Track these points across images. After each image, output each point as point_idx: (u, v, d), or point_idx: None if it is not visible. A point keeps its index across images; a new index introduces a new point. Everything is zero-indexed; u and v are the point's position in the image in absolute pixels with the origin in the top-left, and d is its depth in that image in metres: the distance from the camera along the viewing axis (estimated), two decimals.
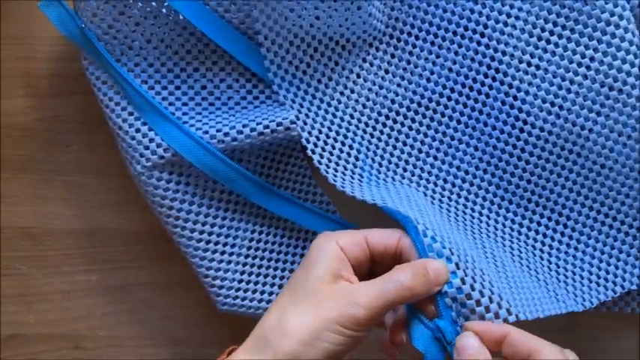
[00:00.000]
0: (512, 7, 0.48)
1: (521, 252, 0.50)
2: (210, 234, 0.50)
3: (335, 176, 0.47)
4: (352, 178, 0.48)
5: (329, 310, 0.39)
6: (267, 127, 0.47)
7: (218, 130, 0.48)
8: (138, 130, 0.48)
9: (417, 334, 0.41)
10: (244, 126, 0.47)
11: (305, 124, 0.48)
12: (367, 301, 0.39)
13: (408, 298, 0.40)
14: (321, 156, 0.48)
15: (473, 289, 0.42)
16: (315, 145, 0.48)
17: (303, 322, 0.39)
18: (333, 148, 0.48)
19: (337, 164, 0.48)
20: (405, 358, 0.45)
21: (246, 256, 0.51)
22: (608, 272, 0.50)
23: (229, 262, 0.50)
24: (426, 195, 0.50)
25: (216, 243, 0.50)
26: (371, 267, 0.44)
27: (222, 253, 0.50)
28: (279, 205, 0.51)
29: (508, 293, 0.44)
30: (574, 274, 0.50)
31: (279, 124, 0.47)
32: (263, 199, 0.50)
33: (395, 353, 0.43)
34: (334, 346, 0.39)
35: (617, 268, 0.50)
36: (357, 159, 0.49)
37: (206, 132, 0.48)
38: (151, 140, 0.48)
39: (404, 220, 0.44)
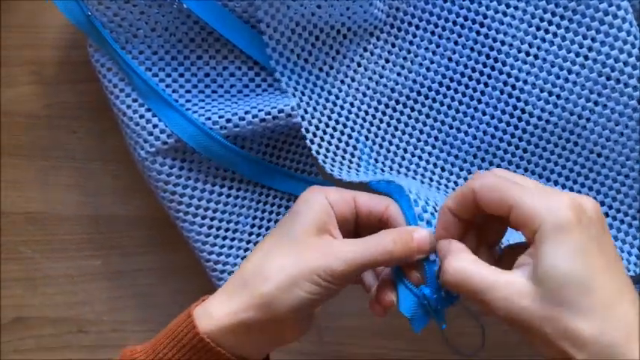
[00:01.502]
0: None
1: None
2: (212, 219, 0.50)
3: (332, 165, 0.48)
4: (349, 167, 0.49)
5: (309, 260, 0.40)
6: (268, 113, 0.48)
7: (220, 117, 0.48)
8: (142, 117, 0.49)
9: (403, 299, 0.42)
10: (246, 112, 0.48)
11: (306, 112, 0.49)
12: (347, 257, 0.40)
13: (388, 261, 0.41)
14: (320, 145, 0.48)
15: None
16: (314, 134, 0.49)
17: (283, 268, 0.40)
18: (332, 137, 0.49)
19: (335, 153, 0.49)
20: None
21: (248, 242, 0.52)
22: None
23: (231, 247, 0.51)
24: (423, 183, 0.50)
25: (218, 228, 0.51)
26: (355, 229, 0.44)
27: (224, 238, 0.51)
28: (281, 181, 0.51)
29: None
30: None
31: (280, 111, 0.48)
32: (266, 177, 0.51)
33: (382, 312, 0.43)
34: (309, 295, 0.39)
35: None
36: (355, 148, 0.50)
37: (208, 118, 0.49)
38: (155, 126, 0.49)
39: (396, 189, 0.44)
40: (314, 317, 0.43)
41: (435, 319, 0.42)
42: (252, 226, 0.52)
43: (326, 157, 0.48)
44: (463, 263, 0.38)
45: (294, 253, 0.40)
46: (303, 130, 0.48)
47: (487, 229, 0.41)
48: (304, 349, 0.56)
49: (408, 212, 0.43)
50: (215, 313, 0.41)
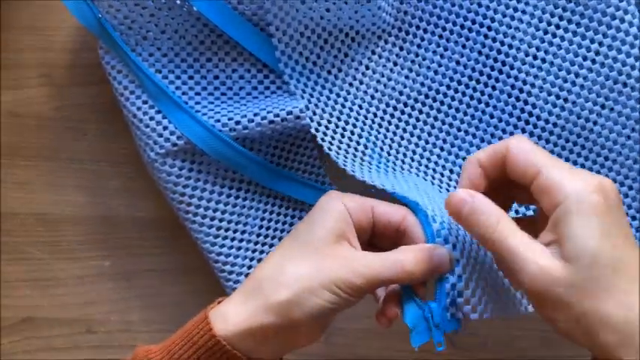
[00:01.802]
0: (519, 1, 0.49)
1: None
2: (220, 220, 0.51)
3: (345, 160, 0.48)
4: (362, 164, 0.49)
5: (329, 270, 0.40)
6: (277, 115, 0.48)
7: (230, 119, 0.49)
8: (152, 118, 0.49)
9: (408, 311, 0.42)
10: (255, 115, 0.49)
11: (314, 113, 0.49)
12: (367, 272, 0.40)
13: (406, 280, 0.41)
14: (331, 143, 0.48)
15: (471, 279, 0.42)
16: (325, 134, 0.49)
17: (302, 276, 0.40)
18: (342, 137, 0.49)
19: (347, 152, 0.49)
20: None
21: (256, 243, 0.52)
22: None
23: (239, 248, 0.51)
24: (432, 184, 0.51)
25: (227, 229, 0.51)
26: (371, 237, 0.44)
27: (233, 239, 0.51)
28: (289, 186, 0.52)
29: (499, 288, 0.44)
30: None
31: (289, 113, 0.48)
32: (274, 181, 0.51)
33: (387, 323, 0.43)
34: (327, 304, 0.39)
35: None
36: (366, 147, 0.50)
37: (218, 120, 0.49)
38: (165, 128, 0.49)
39: (413, 204, 0.44)
40: (329, 323, 0.43)
41: (433, 337, 0.41)
42: (261, 227, 0.52)
43: (338, 153, 0.48)
44: (504, 223, 0.38)
45: (313, 261, 0.40)
46: (312, 130, 0.48)
47: (501, 195, 0.41)
48: (312, 351, 0.56)
49: (427, 228, 0.42)
50: (231, 316, 0.40)
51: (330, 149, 0.48)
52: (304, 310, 0.39)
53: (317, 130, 0.48)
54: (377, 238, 0.44)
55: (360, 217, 0.42)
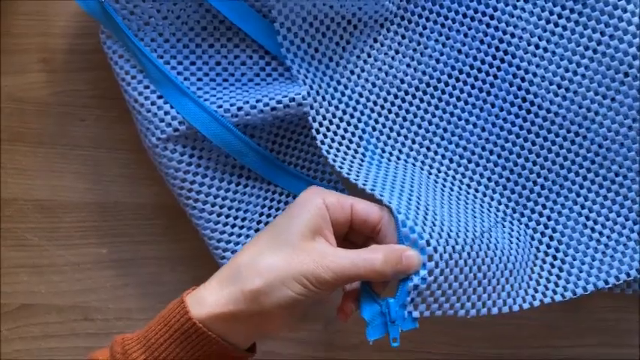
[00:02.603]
0: None
1: (519, 236, 0.50)
2: (221, 207, 0.51)
3: (335, 156, 0.48)
4: (353, 158, 0.49)
5: (301, 264, 0.41)
6: (279, 102, 0.48)
7: (232, 105, 0.49)
8: (153, 103, 0.49)
9: (365, 306, 0.43)
10: (257, 101, 0.48)
11: (315, 100, 0.49)
12: (337, 269, 0.41)
13: (374, 278, 0.42)
14: (325, 135, 0.49)
15: (435, 281, 0.42)
16: (321, 124, 0.49)
17: (275, 266, 0.41)
18: (338, 127, 0.49)
19: (340, 144, 0.49)
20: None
21: (256, 230, 0.52)
22: (613, 258, 0.50)
23: (239, 235, 0.51)
24: (430, 174, 0.51)
25: (227, 216, 0.51)
26: (347, 233, 0.45)
27: (233, 226, 0.51)
28: (287, 180, 0.52)
29: (470, 290, 0.44)
30: (574, 259, 0.51)
31: (291, 100, 0.48)
32: (272, 173, 0.51)
33: (345, 318, 0.45)
34: (295, 295, 0.41)
35: (622, 254, 0.50)
36: (361, 138, 0.50)
37: (220, 106, 0.49)
38: (167, 113, 0.49)
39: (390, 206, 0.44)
40: (302, 314, 0.44)
41: (389, 332, 0.42)
42: (261, 214, 0.52)
43: (330, 147, 0.48)
44: None
45: (287, 253, 0.42)
46: (310, 119, 0.48)
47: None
48: (311, 338, 0.56)
49: (399, 229, 0.43)
50: (207, 300, 0.42)
51: (323, 142, 0.48)
52: (274, 299, 0.41)
53: (314, 120, 0.48)
54: (353, 233, 0.46)
55: (338, 214, 0.44)
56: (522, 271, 0.48)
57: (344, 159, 0.49)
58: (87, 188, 0.57)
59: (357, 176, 0.47)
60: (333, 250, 0.42)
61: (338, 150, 0.49)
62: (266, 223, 0.52)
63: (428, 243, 0.42)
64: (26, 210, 0.57)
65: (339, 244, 0.44)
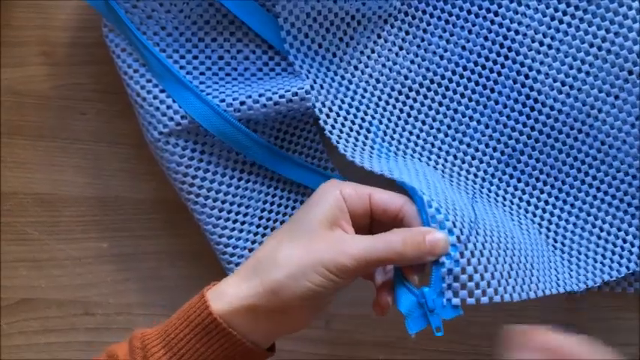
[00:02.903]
0: None
1: (528, 228, 0.50)
2: (223, 202, 0.50)
3: (346, 146, 0.48)
4: (363, 149, 0.49)
5: (319, 252, 0.41)
6: (282, 96, 0.48)
7: (234, 99, 0.48)
8: (156, 97, 0.49)
9: (402, 298, 0.42)
10: (260, 95, 0.48)
11: (319, 94, 0.49)
12: (355, 253, 0.40)
13: (396, 260, 0.41)
14: (333, 127, 0.48)
15: (469, 263, 0.41)
16: (328, 115, 0.48)
17: (294, 257, 0.41)
18: (345, 119, 0.49)
19: (349, 135, 0.49)
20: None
21: (258, 226, 0.52)
22: (614, 253, 0.51)
23: (241, 230, 0.51)
24: (435, 169, 0.51)
25: (229, 211, 0.51)
26: (370, 226, 0.45)
27: (235, 221, 0.51)
28: (291, 170, 0.52)
29: (506, 273, 0.44)
30: (579, 253, 0.51)
31: (294, 94, 0.48)
32: (277, 164, 0.51)
33: (381, 312, 0.44)
34: (316, 286, 0.40)
35: (622, 249, 0.51)
36: (368, 131, 0.50)
37: (222, 100, 0.49)
38: (169, 107, 0.48)
39: (411, 190, 0.44)
40: (322, 308, 0.44)
41: (430, 323, 0.41)
42: (263, 210, 0.52)
43: (339, 137, 0.48)
44: None
45: (305, 244, 0.41)
46: (316, 110, 0.48)
47: None
48: (312, 336, 0.56)
49: (422, 212, 0.43)
50: (227, 294, 0.41)
51: (331, 132, 0.48)
52: (294, 291, 0.40)
53: (320, 112, 0.48)
54: (377, 225, 0.44)
55: (356, 205, 0.43)
56: (542, 258, 0.48)
57: (354, 149, 0.48)
58: (87, 182, 0.56)
59: (371, 165, 0.46)
60: (351, 237, 0.42)
61: (347, 141, 0.48)
62: (267, 219, 0.52)
63: (454, 224, 0.42)
64: (26, 204, 0.57)
65: None
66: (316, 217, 0.42)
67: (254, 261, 0.42)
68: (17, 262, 0.57)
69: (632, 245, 0.51)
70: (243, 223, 0.51)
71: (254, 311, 0.41)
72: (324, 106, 0.48)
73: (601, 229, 0.51)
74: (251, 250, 0.52)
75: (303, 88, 0.48)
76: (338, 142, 0.48)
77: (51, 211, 0.57)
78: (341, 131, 0.49)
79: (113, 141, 0.56)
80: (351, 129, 0.49)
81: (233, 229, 0.51)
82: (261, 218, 0.52)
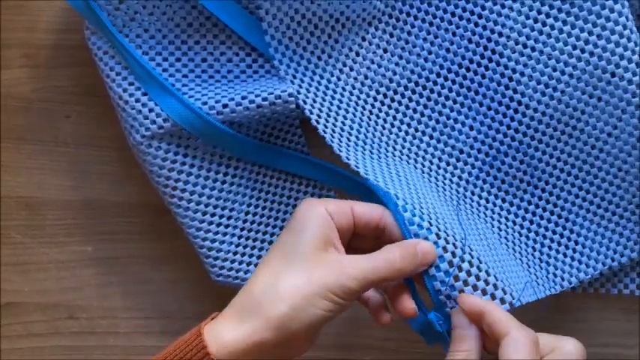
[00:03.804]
0: None
1: (507, 233, 0.51)
2: (206, 205, 0.50)
3: (332, 139, 0.47)
4: (348, 146, 0.48)
5: (323, 278, 0.40)
6: (265, 99, 0.48)
7: (217, 102, 0.48)
8: (138, 100, 0.48)
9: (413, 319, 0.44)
10: (243, 98, 0.48)
11: (306, 97, 0.48)
12: (358, 274, 0.40)
13: (397, 276, 0.42)
14: (326, 126, 0.48)
15: (462, 270, 0.43)
16: (319, 116, 0.48)
17: (297, 287, 0.40)
18: (336, 120, 0.49)
19: (341, 135, 0.48)
20: None
21: (242, 229, 0.52)
22: (598, 253, 0.51)
23: (225, 234, 0.51)
24: (422, 171, 0.51)
25: (213, 215, 0.50)
26: (351, 240, 0.45)
27: (219, 224, 0.51)
28: (281, 159, 0.52)
29: (501, 274, 0.45)
30: (558, 252, 0.51)
31: (277, 97, 0.48)
32: (261, 155, 0.51)
33: (387, 320, 0.44)
34: (324, 312, 0.40)
35: (604, 250, 0.51)
36: (351, 128, 0.49)
37: (205, 103, 0.48)
38: (151, 110, 0.48)
39: (385, 195, 0.44)
40: (319, 333, 0.43)
41: (442, 342, 0.43)
42: (247, 213, 0.52)
43: (332, 137, 0.48)
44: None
45: (305, 271, 0.40)
46: (307, 112, 0.47)
47: None
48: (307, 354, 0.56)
49: (399, 217, 0.43)
50: (228, 337, 0.40)
51: (325, 132, 0.47)
52: (303, 320, 0.40)
53: (311, 113, 0.48)
54: (357, 239, 0.45)
55: (342, 220, 0.43)
56: (521, 266, 0.49)
57: (340, 145, 0.48)
58: (71, 185, 0.56)
59: (357, 162, 0.46)
60: (350, 258, 0.41)
61: (340, 141, 0.48)
62: (252, 222, 0.52)
63: (430, 223, 0.43)
64: (9, 207, 0.56)
65: (346, 253, 0.43)
66: (309, 241, 0.41)
67: (250, 297, 0.41)
68: (1, 266, 0.56)
69: (617, 245, 0.51)
70: (227, 226, 0.51)
71: (258, 349, 0.40)
72: (313, 107, 0.48)
73: (587, 229, 0.52)
74: (235, 253, 0.51)
75: (286, 91, 0.48)
76: (332, 142, 0.47)
77: (34, 214, 0.56)
78: (333, 131, 0.48)
79: (96, 144, 0.56)
80: (342, 129, 0.49)
81: (217, 233, 0.51)
82: (245, 221, 0.52)
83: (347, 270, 0.40)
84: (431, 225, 0.43)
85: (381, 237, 0.44)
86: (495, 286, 0.43)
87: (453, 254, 0.43)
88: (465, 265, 0.43)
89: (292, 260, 0.41)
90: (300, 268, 0.40)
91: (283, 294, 0.40)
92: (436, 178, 0.51)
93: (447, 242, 0.43)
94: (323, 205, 0.42)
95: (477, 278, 0.43)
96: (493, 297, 0.43)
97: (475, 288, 0.43)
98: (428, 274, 0.43)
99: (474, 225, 0.49)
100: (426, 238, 0.43)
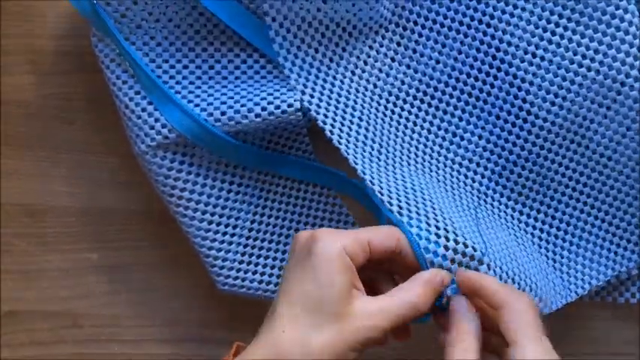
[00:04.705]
0: None
1: (524, 240, 0.51)
2: (212, 214, 0.50)
3: (347, 151, 0.47)
4: (363, 157, 0.48)
5: (352, 333, 0.40)
6: (271, 113, 0.47)
7: (223, 114, 0.48)
8: (144, 110, 0.48)
9: None
10: (249, 111, 0.48)
11: (319, 107, 0.48)
12: (386, 325, 0.41)
13: (418, 317, 0.42)
14: (340, 136, 0.47)
15: None
16: (333, 125, 0.47)
17: (330, 345, 0.40)
18: (350, 130, 0.48)
19: (348, 142, 0.48)
20: None
21: (247, 237, 0.51)
22: (606, 262, 0.51)
23: (230, 242, 0.51)
24: (438, 181, 0.50)
25: (218, 224, 0.50)
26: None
27: (224, 233, 0.50)
28: (286, 167, 0.52)
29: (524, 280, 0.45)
30: (569, 260, 0.51)
31: (284, 111, 0.47)
32: (267, 165, 0.51)
33: (407, 337, 0.45)
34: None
35: (614, 259, 0.51)
36: (371, 140, 0.49)
37: (211, 114, 0.48)
38: (157, 120, 0.48)
39: (399, 223, 0.44)
40: None
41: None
42: (252, 222, 0.52)
43: (347, 148, 0.47)
44: None
45: (335, 326, 0.40)
46: (320, 123, 0.47)
47: None
48: None
49: (415, 246, 0.43)
50: None
51: (340, 142, 0.47)
52: None
53: (324, 123, 0.47)
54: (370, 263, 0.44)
55: (360, 258, 0.42)
56: (542, 274, 0.49)
57: (363, 156, 0.47)
58: (76, 193, 0.56)
59: (372, 180, 0.46)
60: (377, 306, 0.41)
61: (355, 149, 0.48)
62: (257, 231, 0.52)
63: (451, 261, 0.43)
64: (13, 214, 0.56)
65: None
66: (336, 295, 0.40)
67: (278, 351, 0.40)
68: (4, 274, 0.56)
69: (624, 254, 0.51)
70: (232, 235, 0.51)
71: None
72: (326, 117, 0.47)
73: (587, 241, 0.52)
74: (241, 262, 0.51)
75: (292, 105, 0.47)
76: (347, 150, 0.47)
77: (39, 221, 0.56)
78: (348, 141, 0.48)
79: (102, 151, 0.56)
80: (357, 139, 0.48)
81: (222, 242, 0.50)
82: (250, 231, 0.52)
83: (374, 322, 0.40)
84: (447, 250, 0.43)
85: (396, 259, 0.43)
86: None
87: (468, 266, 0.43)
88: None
89: (321, 317, 0.40)
90: (331, 325, 0.40)
91: (316, 353, 0.40)
92: (452, 186, 0.50)
93: (462, 264, 0.43)
94: (341, 244, 0.41)
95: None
96: None
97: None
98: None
99: (494, 234, 0.48)
100: (441, 266, 0.42)
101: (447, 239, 0.43)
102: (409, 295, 0.41)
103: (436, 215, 0.44)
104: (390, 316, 0.41)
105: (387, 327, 0.41)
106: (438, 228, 0.43)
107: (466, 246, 0.43)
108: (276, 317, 0.41)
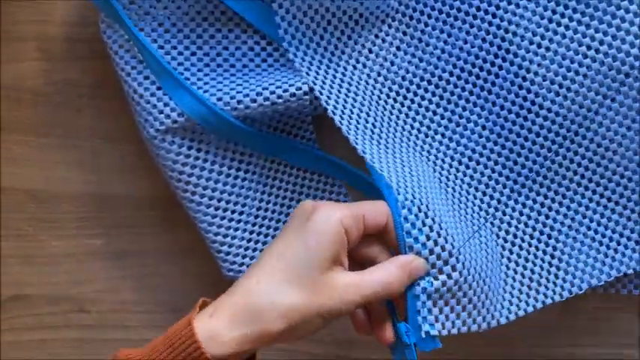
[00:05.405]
0: None
1: (516, 237, 0.51)
2: (219, 200, 0.50)
3: (348, 131, 0.47)
4: (364, 138, 0.48)
5: (323, 302, 0.41)
6: (280, 97, 0.48)
7: (232, 98, 0.48)
8: (153, 94, 0.49)
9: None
10: (258, 94, 0.48)
11: (322, 89, 0.48)
12: (357, 300, 0.42)
13: (389, 296, 0.43)
14: (342, 117, 0.47)
15: (445, 294, 0.44)
16: (335, 107, 0.48)
17: (297, 308, 0.41)
18: (352, 112, 0.48)
19: (350, 124, 0.48)
20: None
21: (254, 224, 0.52)
22: (606, 255, 0.51)
23: (237, 228, 0.51)
24: (434, 171, 0.51)
25: (225, 209, 0.51)
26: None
27: (230, 219, 0.51)
28: (294, 153, 0.52)
29: (482, 299, 0.46)
30: (572, 254, 0.51)
31: (292, 95, 0.48)
32: (274, 151, 0.52)
33: (370, 331, 0.45)
34: (314, 329, 0.42)
35: (615, 251, 0.51)
36: (372, 125, 0.49)
37: (220, 99, 0.48)
38: (166, 105, 0.48)
39: (391, 203, 0.44)
40: None
41: (406, 355, 0.43)
42: (259, 209, 0.52)
43: (349, 129, 0.47)
44: None
45: (308, 293, 0.41)
46: (323, 102, 0.47)
47: None
48: (305, 349, 0.56)
49: (398, 229, 0.44)
50: (222, 338, 0.40)
51: (341, 123, 0.47)
52: (298, 335, 0.42)
53: (327, 104, 0.47)
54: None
55: (354, 234, 0.43)
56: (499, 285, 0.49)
57: (356, 137, 0.47)
58: (83, 179, 0.56)
59: (372, 159, 0.46)
60: (349, 279, 0.42)
61: (356, 133, 0.48)
62: (263, 218, 0.52)
63: (430, 252, 0.43)
64: (21, 200, 0.56)
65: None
66: (318, 260, 0.41)
67: (250, 304, 0.41)
68: (11, 258, 0.56)
69: (633, 251, 0.51)
70: (239, 221, 0.51)
71: (250, 350, 0.41)
72: (329, 99, 0.48)
73: (596, 232, 0.51)
74: (247, 248, 0.52)
75: (301, 89, 0.48)
76: (349, 132, 0.47)
77: (46, 207, 0.56)
78: (349, 123, 0.48)
79: (109, 137, 0.56)
80: (358, 122, 0.48)
81: (229, 228, 0.51)
82: (257, 217, 0.52)
83: (344, 296, 0.41)
84: (428, 239, 0.43)
85: (384, 235, 0.44)
86: (475, 306, 0.44)
87: (440, 271, 0.43)
88: (452, 277, 0.43)
89: (297, 276, 0.41)
90: (304, 288, 0.41)
91: (283, 312, 0.41)
92: (447, 177, 0.51)
93: (439, 258, 0.43)
94: (339, 217, 0.42)
95: (464, 294, 0.44)
96: (470, 315, 0.44)
97: (458, 302, 0.44)
98: (413, 293, 0.43)
99: (477, 234, 0.49)
100: (419, 253, 0.43)
101: (431, 229, 0.44)
102: (385, 274, 0.43)
103: (428, 204, 0.45)
104: (363, 291, 0.42)
105: (359, 302, 0.42)
106: (426, 216, 0.44)
107: (446, 241, 0.44)
108: (254, 267, 0.42)
